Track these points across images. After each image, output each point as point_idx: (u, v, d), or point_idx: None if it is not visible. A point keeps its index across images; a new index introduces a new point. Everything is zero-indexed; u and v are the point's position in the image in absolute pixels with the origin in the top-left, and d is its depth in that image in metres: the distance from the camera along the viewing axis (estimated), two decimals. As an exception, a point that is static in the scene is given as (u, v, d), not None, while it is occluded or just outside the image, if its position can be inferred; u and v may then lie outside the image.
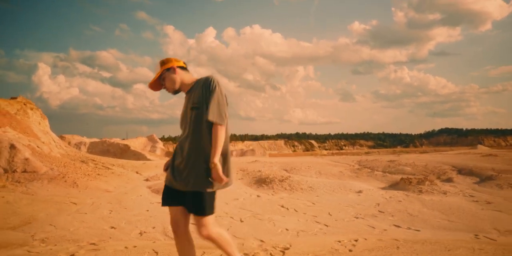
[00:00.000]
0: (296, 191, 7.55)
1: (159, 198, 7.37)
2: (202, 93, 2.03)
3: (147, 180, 9.71)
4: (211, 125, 1.98)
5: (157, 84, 2.20)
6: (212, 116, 1.97)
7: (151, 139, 38.64)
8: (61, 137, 31.96)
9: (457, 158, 12.56)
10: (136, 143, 36.42)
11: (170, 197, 2.06)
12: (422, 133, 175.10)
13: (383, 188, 7.91)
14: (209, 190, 1.97)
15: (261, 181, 8.38)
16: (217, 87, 2.04)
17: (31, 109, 12.28)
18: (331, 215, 5.43)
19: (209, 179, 1.95)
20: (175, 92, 2.16)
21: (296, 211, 5.76)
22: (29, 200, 6.55)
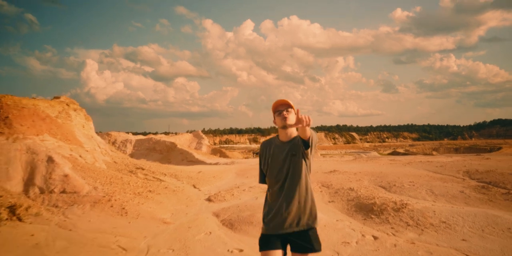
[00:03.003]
0: (426, 229, 5.27)
1: (235, 238, 5.41)
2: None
3: (209, 200, 7.81)
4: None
5: (283, 105, 2.45)
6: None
7: (196, 135, 37.48)
8: (108, 135, 31.48)
9: None
10: (182, 140, 35.39)
11: (270, 241, 2.38)
12: (472, 124, 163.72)
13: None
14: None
15: (366, 209, 6.18)
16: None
17: (75, 110, 10.84)
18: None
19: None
20: (284, 127, 2.42)
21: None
22: (65, 242, 4.82)
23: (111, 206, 6.44)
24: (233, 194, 7.91)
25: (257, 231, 5.37)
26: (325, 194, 7.60)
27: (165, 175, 10.53)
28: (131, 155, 29.37)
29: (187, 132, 43.84)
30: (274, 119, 2.52)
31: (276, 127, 2.53)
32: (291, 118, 2.41)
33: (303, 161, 2.40)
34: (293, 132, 2.50)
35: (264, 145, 2.63)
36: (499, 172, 8.87)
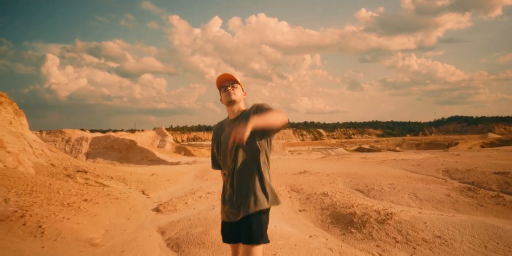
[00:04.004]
0: (419, 247, 4.29)
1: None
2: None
3: (157, 210, 6.50)
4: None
5: (228, 81, 2.31)
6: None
7: (160, 132, 35.53)
8: (61, 132, 28.98)
9: None
10: (144, 137, 33.35)
11: (228, 233, 2.28)
12: (432, 121, 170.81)
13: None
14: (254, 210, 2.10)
15: (345, 220, 5.14)
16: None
17: (0, 103, 9.08)
18: None
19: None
20: (230, 102, 2.27)
21: None
22: None
23: (24, 225, 4.99)
24: (186, 203, 6.65)
25: (209, 255, 4.17)
26: (294, 200, 6.51)
27: (112, 178, 9.06)
28: (87, 154, 27.17)
29: (154, 129, 41.59)
30: (220, 96, 2.37)
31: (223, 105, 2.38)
32: (238, 94, 2.30)
33: (256, 139, 2.14)
34: (240, 107, 2.34)
35: (216, 127, 2.49)
36: (480, 171, 8.19)
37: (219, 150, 2.37)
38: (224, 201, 2.28)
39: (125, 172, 9.66)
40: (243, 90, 2.36)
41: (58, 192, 6.57)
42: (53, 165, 9.11)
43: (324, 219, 5.40)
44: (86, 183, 8.17)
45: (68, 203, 6.10)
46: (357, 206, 5.54)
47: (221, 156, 2.34)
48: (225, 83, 2.31)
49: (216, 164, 2.48)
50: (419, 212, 5.42)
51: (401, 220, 4.87)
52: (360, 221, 4.96)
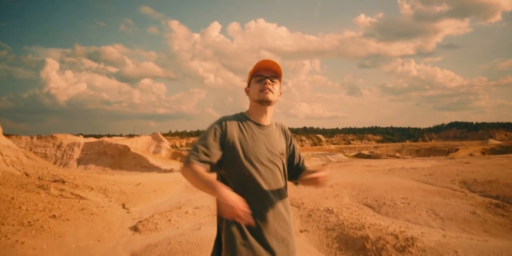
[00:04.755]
0: (452, 285, 3.41)
1: None
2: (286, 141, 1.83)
3: (135, 229, 5.59)
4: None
5: (271, 70, 1.71)
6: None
7: (155, 138, 34.63)
8: (52, 137, 28.07)
9: None
10: (140, 143, 32.46)
11: None
12: (431, 127, 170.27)
13: None
14: None
15: (355, 246, 4.25)
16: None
17: (-32, 106, 8.20)
18: None
19: None
20: (265, 102, 1.68)
21: None
22: None
23: (-35, 251, 4.10)
24: (169, 220, 5.75)
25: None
26: (294, 218, 5.62)
27: (92, 189, 8.16)
28: (79, 160, 26.25)
29: (154, 134, 40.71)
30: (248, 85, 1.76)
31: (248, 97, 1.78)
32: (276, 93, 1.71)
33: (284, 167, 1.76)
34: (272, 110, 1.76)
35: (230, 123, 1.66)
36: (503, 183, 7.32)
37: (236, 154, 1.61)
38: (260, 233, 1.55)
39: (108, 182, 8.77)
40: (280, 89, 1.77)
41: (20, 207, 5.67)
42: (26, 174, 8.21)
43: (330, 243, 4.51)
44: (61, 195, 7.28)
45: (29, 222, 5.20)
46: (369, 227, 4.66)
47: (239, 166, 1.61)
48: (265, 73, 1.70)
49: (204, 158, 1.57)
50: (443, 235, 4.54)
51: (425, 247, 3.98)
52: (374, 248, 4.07)
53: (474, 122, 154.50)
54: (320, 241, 4.65)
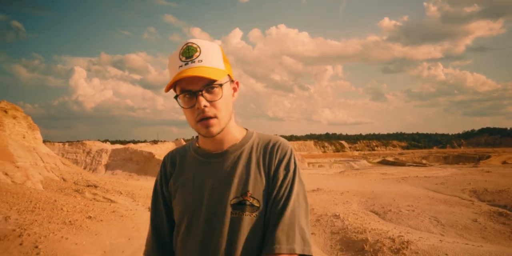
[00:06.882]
0: (438, 283, 3.84)
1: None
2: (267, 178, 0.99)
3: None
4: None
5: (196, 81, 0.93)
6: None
7: (178, 144, 35.74)
8: (82, 144, 29.61)
9: None
10: (163, 149, 33.64)
11: None
12: (460, 133, 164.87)
13: None
14: None
15: (355, 248, 4.71)
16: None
17: (14, 117, 9.22)
18: None
19: None
20: (214, 136, 0.99)
21: None
22: None
23: (20, 244, 4.85)
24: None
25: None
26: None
27: (121, 193, 8.95)
28: (106, 166, 27.55)
29: (176, 140, 42.07)
30: (178, 102, 0.99)
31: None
32: (222, 112, 0.99)
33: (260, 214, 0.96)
34: (228, 131, 1.04)
35: (170, 164, 1.13)
36: (506, 191, 7.54)
37: (178, 210, 1.07)
38: None
39: (135, 187, 9.54)
40: (231, 82, 1.06)
41: (62, 209, 6.46)
42: (63, 180, 9.09)
43: (333, 245, 4.99)
44: (94, 199, 8.07)
45: (70, 221, 5.96)
46: (369, 231, 5.11)
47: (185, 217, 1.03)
48: (194, 85, 0.95)
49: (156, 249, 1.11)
50: (440, 240, 4.93)
51: (418, 249, 4.41)
52: (372, 250, 4.53)
53: (508, 128, 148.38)
54: (324, 243, 5.14)
